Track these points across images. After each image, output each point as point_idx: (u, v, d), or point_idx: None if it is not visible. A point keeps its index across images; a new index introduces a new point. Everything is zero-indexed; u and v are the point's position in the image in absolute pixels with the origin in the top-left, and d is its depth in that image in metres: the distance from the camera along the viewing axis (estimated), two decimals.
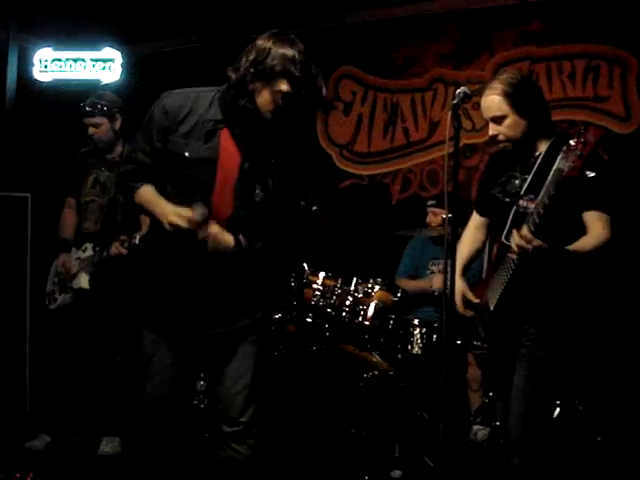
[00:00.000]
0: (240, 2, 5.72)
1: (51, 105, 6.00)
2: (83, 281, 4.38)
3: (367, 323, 4.47)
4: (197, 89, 2.86)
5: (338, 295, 4.51)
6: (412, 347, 4.50)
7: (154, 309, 2.92)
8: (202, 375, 4.48)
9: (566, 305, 3.02)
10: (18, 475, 3.92)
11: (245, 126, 2.79)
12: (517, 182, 3.08)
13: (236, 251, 2.78)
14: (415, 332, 4.51)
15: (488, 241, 3.39)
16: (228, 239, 2.76)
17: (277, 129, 2.82)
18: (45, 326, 4.67)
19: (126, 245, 4.23)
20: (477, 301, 3.18)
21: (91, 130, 4.45)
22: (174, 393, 2.93)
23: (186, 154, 2.76)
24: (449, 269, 2.83)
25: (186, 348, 2.91)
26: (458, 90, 2.83)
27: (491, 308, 3.08)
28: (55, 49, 5.85)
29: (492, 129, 3.05)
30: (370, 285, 4.53)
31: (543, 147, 3.05)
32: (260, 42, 2.70)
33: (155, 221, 2.83)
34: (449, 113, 2.80)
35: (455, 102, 2.81)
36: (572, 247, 2.90)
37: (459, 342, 4.05)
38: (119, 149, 4.50)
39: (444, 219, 4.57)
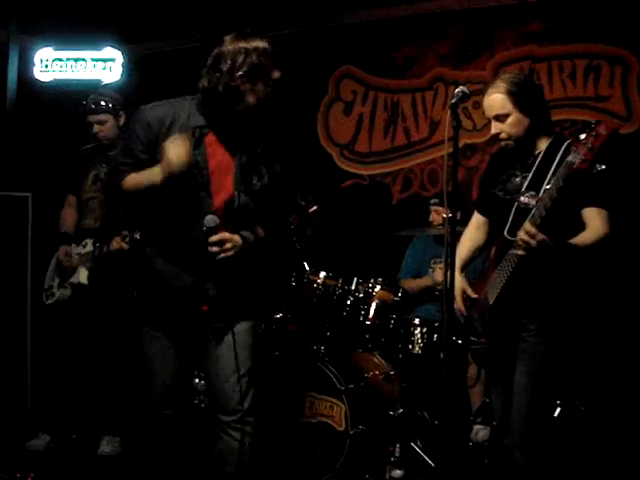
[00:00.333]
0: (240, 2, 5.71)
1: (52, 105, 6.01)
2: (82, 276, 4.37)
3: (368, 323, 4.46)
4: (171, 100, 2.97)
5: (339, 295, 4.50)
6: (413, 347, 4.50)
7: (155, 302, 3.00)
8: (202, 375, 4.50)
9: (567, 300, 3.05)
10: (19, 475, 3.92)
11: (231, 125, 2.91)
12: (518, 180, 3.11)
13: (245, 247, 2.92)
14: (416, 332, 4.51)
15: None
16: (236, 239, 2.90)
17: (257, 118, 2.94)
18: (45, 324, 4.67)
19: (127, 240, 4.22)
20: (476, 296, 3.21)
21: (96, 128, 4.44)
22: (177, 387, 3.04)
23: None
24: (449, 268, 2.84)
25: (186, 340, 3.01)
26: (457, 89, 2.86)
27: (490, 302, 3.10)
28: (56, 49, 5.84)
29: (495, 127, 3.09)
30: (371, 285, 4.52)
31: (543, 145, 3.10)
32: (231, 47, 2.79)
33: (151, 215, 2.97)
34: (448, 112, 2.83)
35: (454, 101, 2.84)
36: (572, 242, 2.93)
37: (460, 341, 4.04)
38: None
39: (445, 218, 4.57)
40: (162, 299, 2.99)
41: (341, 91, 6.05)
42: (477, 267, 3.80)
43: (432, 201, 5.01)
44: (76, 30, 5.90)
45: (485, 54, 5.49)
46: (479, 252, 3.41)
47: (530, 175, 3.06)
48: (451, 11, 5.59)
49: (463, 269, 3.33)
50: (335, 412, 4.03)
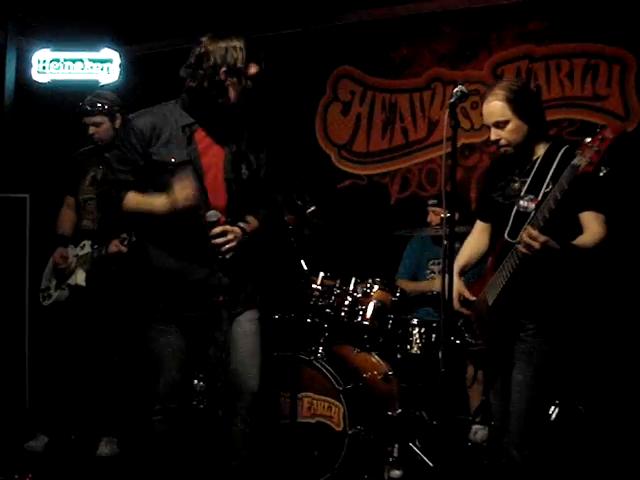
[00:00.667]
0: (238, 2, 5.71)
1: (49, 106, 6.00)
2: (79, 278, 4.38)
3: (366, 323, 4.45)
4: (156, 106, 3.18)
5: (337, 295, 4.49)
6: (411, 347, 4.51)
7: (170, 298, 3.13)
8: (201, 375, 4.50)
9: (565, 300, 3.07)
10: (17, 476, 3.92)
11: (217, 119, 3.12)
12: (516, 185, 3.15)
13: (245, 238, 3.13)
14: (414, 332, 4.51)
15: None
16: (237, 230, 3.10)
17: (241, 110, 3.16)
18: (42, 325, 4.67)
19: (126, 243, 4.22)
20: (474, 298, 3.21)
21: (92, 129, 4.44)
22: (183, 382, 3.20)
23: (172, 160, 3.06)
24: (447, 268, 2.86)
25: (199, 331, 3.17)
26: (455, 89, 2.88)
27: (489, 304, 3.10)
28: (53, 50, 5.83)
29: (494, 134, 3.12)
30: (369, 285, 4.52)
31: (541, 151, 3.13)
32: (211, 47, 3.04)
33: (149, 218, 3.09)
34: (446, 111, 2.83)
35: (452, 100, 2.86)
36: (572, 244, 2.94)
37: (458, 341, 4.04)
38: None
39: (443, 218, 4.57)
40: (178, 294, 3.13)
41: (339, 91, 6.04)
42: (476, 270, 3.80)
43: (430, 202, 5.00)
44: (73, 31, 5.90)
45: (483, 54, 5.48)
46: (480, 258, 3.41)
47: (529, 180, 3.08)
48: (449, 11, 5.59)
49: (462, 274, 3.33)
50: (333, 412, 4.04)
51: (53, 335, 4.53)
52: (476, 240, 3.40)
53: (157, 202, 3.04)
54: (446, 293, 2.87)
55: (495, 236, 3.26)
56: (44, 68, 5.85)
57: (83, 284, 4.37)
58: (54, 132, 5.91)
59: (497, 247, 3.17)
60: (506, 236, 3.08)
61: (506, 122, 3.06)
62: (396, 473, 4.04)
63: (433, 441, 4.22)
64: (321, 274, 4.52)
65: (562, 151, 3.02)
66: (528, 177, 3.09)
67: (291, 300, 4.52)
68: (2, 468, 4.03)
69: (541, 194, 2.97)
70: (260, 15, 5.82)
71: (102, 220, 4.42)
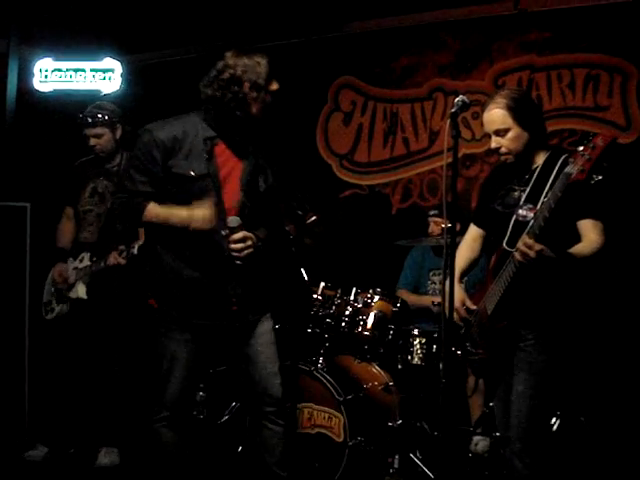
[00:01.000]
0: (240, 13, 5.72)
1: (51, 115, 6.00)
2: (80, 291, 4.37)
3: (367, 333, 4.44)
4: (177, 117, 3.22)
5: (337, 305, 4.48)
6: (412, 357, 4.49)
7: (180, 305, 3.19)
8: (202, 386, 4.49)
9: (564, 310, 3.07)
10: None
11: (237, 133, 3.20)
12: (516, 194, 3.15)
13: (259, 245, 3.21)
14: (415, 342, 4.49)
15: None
16: (253, 237, 3.17)
17: (259, 124, 3.25)
18: (43, 337, 4.66)
19: (124, 255, 4.22)
20: (475, 307, 3.22)
21: (93, 141, 4.44)
22: (192, 390, 3.35)
23: (192, 173, 3.11)
24: (447, 278, 2.86)
25: (209, 341, 3.26)
26: (457, 98, 2.88)
27: (489, 313, 3.10)
28: (55, 59, 5.84)
29: (495, 142, 3.13)
30: (370, 295, 4.51)
31: (540, 160, 3.13)
32: (233, 61, 3.11)
33: (166, 227, 3.13)
34: (447, 121, 2.83)
35: (454, 110, 2.87)
36: (569, 252, 2.95)
37: (459, 352, 4.02)
38: (118, 158, 4.50)
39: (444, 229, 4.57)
40: (195, 302, 3.19)
41: (340, 101, 6.05)
42: (476, 279, 3.80)
43: (431, 212, 4.99)
44: (76, 41, 5.91)
45: (484, 64, 5.49)
46: (474, 264, 3.43)
47: (528, 189, 3.09)
48: (450, 21, 5.60)
49: (460, 280, 3.34)
50: (334, 423, 4.02)
51: (54, 346, 4.51)
52: (469, 248, 3.40)
53: (176, 216, 3.09)
54: (446, 305, 2.86)
55: (493, 244, 3.26)
56: (46, 77, 5.85)
57: (84, 297, 4.37)
58: (56, 141, 5.91)
59: (496, 256, 3.17)
60: (504, 245, 3.08)
61: (507, 130, 3.07)
62: None
63: (434, 452, 4.20)
64: (322, 284, 4.52)
65: (561, 160, 3.02)
66: (527, 186, 3.10)
67: (291, 310, 4.51)
68: (2, 478, 4.02)
69: (540, 203, 2.98)
70: (262, 25, 5.83)
71: (101, 232, 4.41)
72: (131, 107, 5.12)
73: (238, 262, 3.15)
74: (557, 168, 2.99)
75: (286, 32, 5.93)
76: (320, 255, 4.65)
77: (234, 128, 3.18)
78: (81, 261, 4.42)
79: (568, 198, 2.82)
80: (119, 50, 6.01)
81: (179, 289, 3.19)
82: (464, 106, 2.88)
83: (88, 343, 4.38)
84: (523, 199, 3.08)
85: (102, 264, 4.30)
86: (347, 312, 4.47)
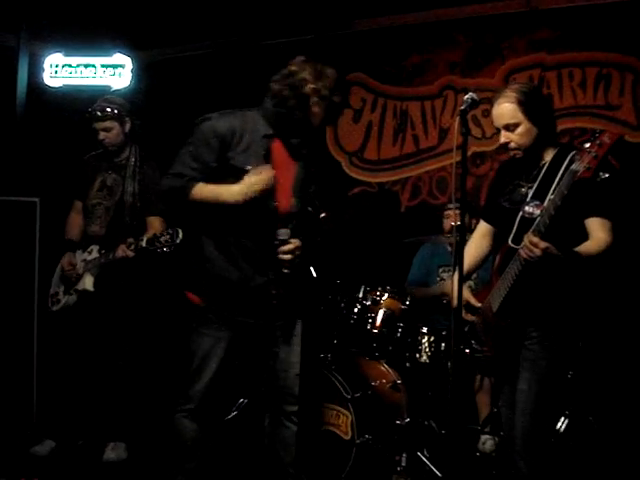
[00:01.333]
0: (250, 9, 5.72)
1: (61, 110, 6.01)
2: (88, 283, 4.37)
3: (375, 331, 4.44)
4: (236, 110, 3.26)
5: (346, 302, 4.48)
6: (420, 355, 4.48)
7: (221, 301, 3.22)
8: None
9: (570, 309, 3.05)
10: None
11: (295, 135, 3.24)
12: (523, 190, 3.13)
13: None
14: (423, 340, 4.48)
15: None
16: (300, 247, 3.22)
17: (314, 131, 3.30)
18: (50, 329, 4.67)
19: (133, 248, 4.22)
20: (479, 305, 3.20)
21: (102, 135, 4.45)
22: (218, 386, 3.29)
23: (248, 168, 3.12)
24: (457, 276, 2.85)
25: (247, 339, 3.30)
26: (466, 96, 2.87)
27: (494, 310, 3.08)
28: (65, 55, 5.86)
29: (504, 137, 3.10)
30: (378, 293, 4.51)
31: (549, 156, 3.10)
32: (302, 66, 3.20)
33: (213, 217, 3.17)
34: (457, 119, 2.82)
35: (463, 108, 2.85)
36: (576, 251, 2.92)
37: (467, 350, 4.02)
38: (127, 152, 4.50)
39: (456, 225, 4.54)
40: (236, 299, 3.22)
41: (350, 98, 6.03)
42: (482, 277, 3.79)
43: (450, 205, 4.92)
44: (86, 36, 5.93)
45: (495, 62, 5.47)
46: (483, 261, 3.41)
47: (535, 185, 3.06)
48: (461, 19, 5.58)
49: (467, 277, 3.33)
50: (341, 421, 4.02)
51: (61, 340, 4.52)
52: (478, 244, 3.38)
53: (226, 192, 3.11)
54: (455, 301, 2.85)
55: (500, 240, 3.23)
56: (56, 73, 5.87)
57: (91, 289, 4.37)
58: (65, 136, 5.92)
59: (502, 253, 3.15)
60: (510, 242, 3.06)
61: (516, 125, 3.04)
62: None
63: (441, 451, 4.19)
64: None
65: (569, 157, 2.96)
66: (535, 182, 3.07)
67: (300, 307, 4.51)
68: (9, 472, 4.03)
69: (547, 200, 2.94)
70: (272, 22, 5.83)
71: (110, 225, 4.42)
72: (141, 103, 5.12)
73: (286, 271, 3.19)
74: (565, 165, 2.95)
75: (296, 29, 5.92)
76: (329, 252, 4.64)
77: (291, 129, 3.22)
78: (90, 253, 4.42)
79: (574, 196, 2.80)
80: (129, 46, 6.02)
81: (224, 285, 3.21)
82: (473, 103, 2.86)
83: (94, 336, 4.39)
84: (530, 196, 3.05)
85: (110, 256, 4.31)
86: (356, 310, 4.47)
